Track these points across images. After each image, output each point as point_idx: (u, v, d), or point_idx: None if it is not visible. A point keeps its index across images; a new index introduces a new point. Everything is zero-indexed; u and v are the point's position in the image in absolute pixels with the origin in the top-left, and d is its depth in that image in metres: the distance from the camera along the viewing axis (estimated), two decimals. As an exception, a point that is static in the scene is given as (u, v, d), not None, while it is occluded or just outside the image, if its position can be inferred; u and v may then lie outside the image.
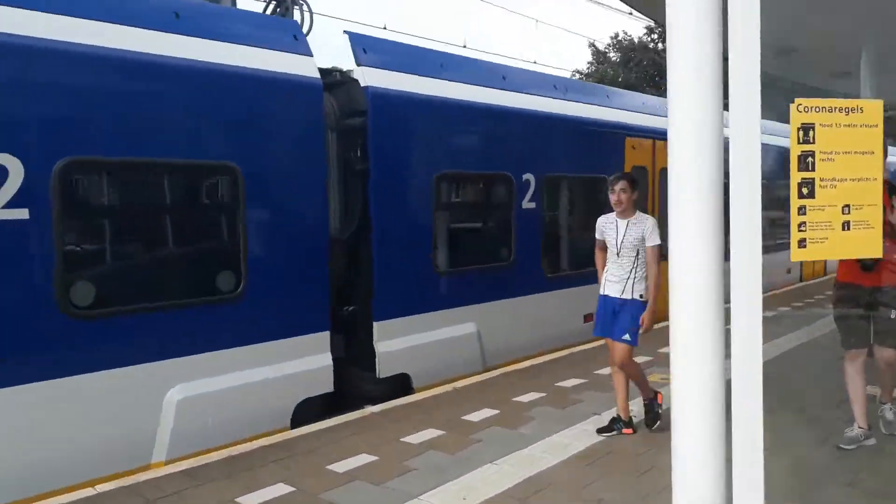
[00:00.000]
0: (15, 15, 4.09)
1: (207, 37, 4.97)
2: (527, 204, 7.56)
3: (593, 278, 5.30)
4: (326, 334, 5.71)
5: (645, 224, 4.99)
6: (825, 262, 13.72)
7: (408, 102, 6.32)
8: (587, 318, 8.26)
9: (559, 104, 8.11)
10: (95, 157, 4.47)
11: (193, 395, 4.84)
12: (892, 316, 4.61)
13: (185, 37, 4.84)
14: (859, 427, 4.64)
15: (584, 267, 7.89)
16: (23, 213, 4.07)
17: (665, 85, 1.70)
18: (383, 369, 6.12)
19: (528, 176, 7.54)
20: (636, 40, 33.09)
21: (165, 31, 4.78)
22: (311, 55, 5.64)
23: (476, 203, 7.88)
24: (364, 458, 4.70)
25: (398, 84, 6.24)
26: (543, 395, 6.14)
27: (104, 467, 4.45)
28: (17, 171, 4.05)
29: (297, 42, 5.58)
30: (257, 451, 4.85)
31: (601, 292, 5.17)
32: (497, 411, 5.68)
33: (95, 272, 4.62)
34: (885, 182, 3.89)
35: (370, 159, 6.01)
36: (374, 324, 6.09)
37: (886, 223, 4.15)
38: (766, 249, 1.83)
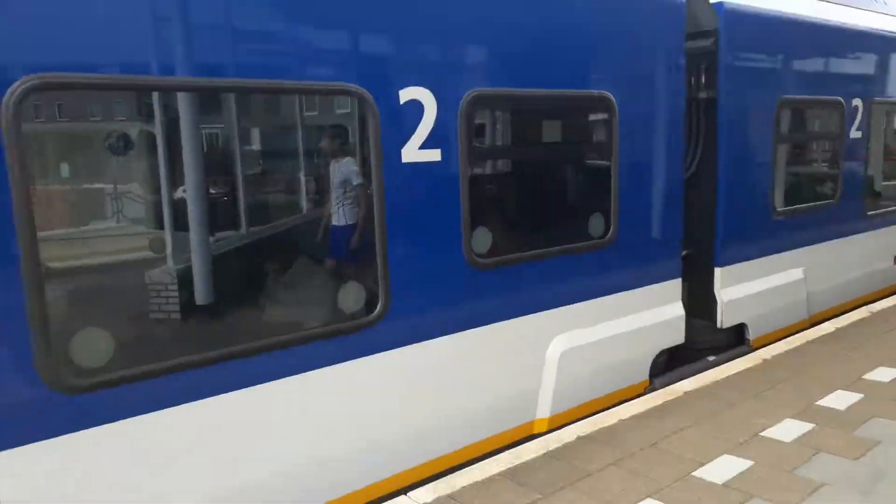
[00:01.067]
0: None
1: None
2: (854, 133, 6.67)
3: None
4: (679, 282, 5.27)
5: None
6: None
7: (757, 21, 5.57)
8: (896, 259, 7.53)
9: (882, 19, 7.06)
10: (494, 89, 4.03)
11: (572, 347, 4.54)
12: None
13: None
14: None
15: (896, 203, 7.10)
16: (435, 155, 3.78)
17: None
18: (725, 319, 5.62)
19: (856, 102, 6.63)
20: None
21: None
22: None
23: (809, 134, 7.04)
24: (740, 464, 3.90)
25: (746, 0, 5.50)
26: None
27: (496, 424, 4.28)
28: (431, 106, 3.69)
29: None
30: (577, 443, 4.20)
31: None
32: (860, 395, 4.83)
33: (492, 218, 4.34)
34: None
35: (719, 86, 5.35)
36: (717, 270, 5.57)
37: None
38: None
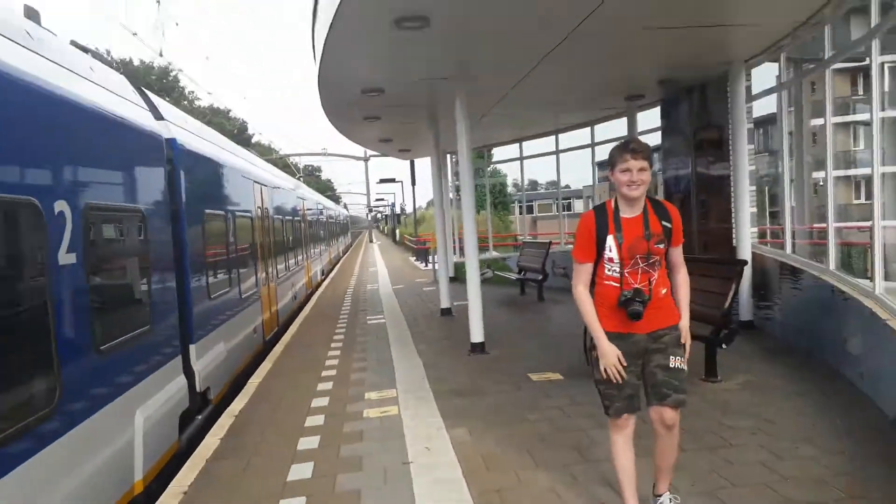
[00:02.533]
0: None
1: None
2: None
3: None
4: (180, 357, 6.93)
5: None
6: (277, 309, 13.52)
7: (194, 155, 7.99)
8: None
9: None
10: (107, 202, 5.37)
11: (147, 415, 5.68)
12: (672, 364, 3.80)
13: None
14: None
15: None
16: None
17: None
18: (200, 385, 7.33)
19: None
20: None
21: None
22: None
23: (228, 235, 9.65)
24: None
25: (189, 138, 7.93)
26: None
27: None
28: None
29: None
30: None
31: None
32: (311, 463, 5.64)
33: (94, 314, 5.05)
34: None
35: (178, 199, 7.13)
36: (192, 346, 7.23)
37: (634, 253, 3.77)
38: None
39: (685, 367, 3.88)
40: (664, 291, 3.85)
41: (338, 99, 11.13)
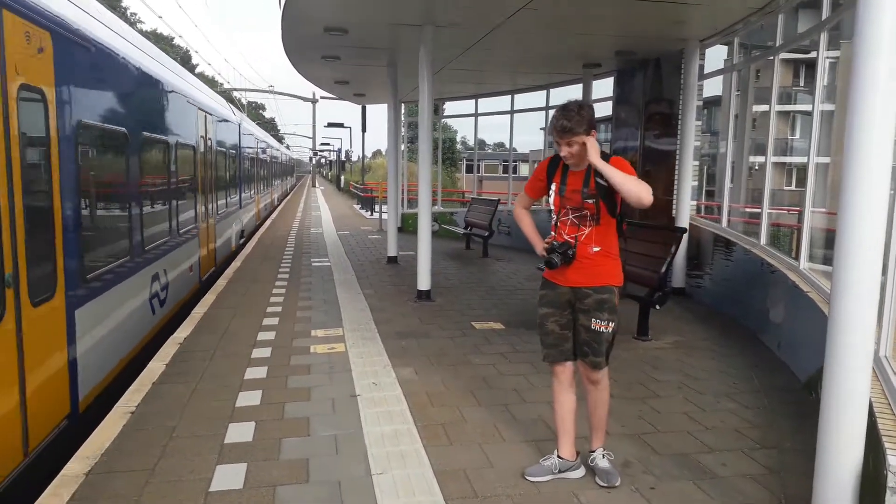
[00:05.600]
0: None
1: None
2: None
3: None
4: None
5: None
6: (247, 221, 19.53)
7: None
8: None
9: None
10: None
11: None
12: (593, 326, 3.87)
13: None
14: (559, 457, 4.11)
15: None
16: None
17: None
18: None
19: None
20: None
21: None
22: None
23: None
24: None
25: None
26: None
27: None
28: None
29: None
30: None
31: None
32: (252, 425, 6.13)
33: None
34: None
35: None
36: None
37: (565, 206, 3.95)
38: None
39: (607, 332, 3.92)
40: (595, 249, 3.90)
41: (300, 35, 10.95)
